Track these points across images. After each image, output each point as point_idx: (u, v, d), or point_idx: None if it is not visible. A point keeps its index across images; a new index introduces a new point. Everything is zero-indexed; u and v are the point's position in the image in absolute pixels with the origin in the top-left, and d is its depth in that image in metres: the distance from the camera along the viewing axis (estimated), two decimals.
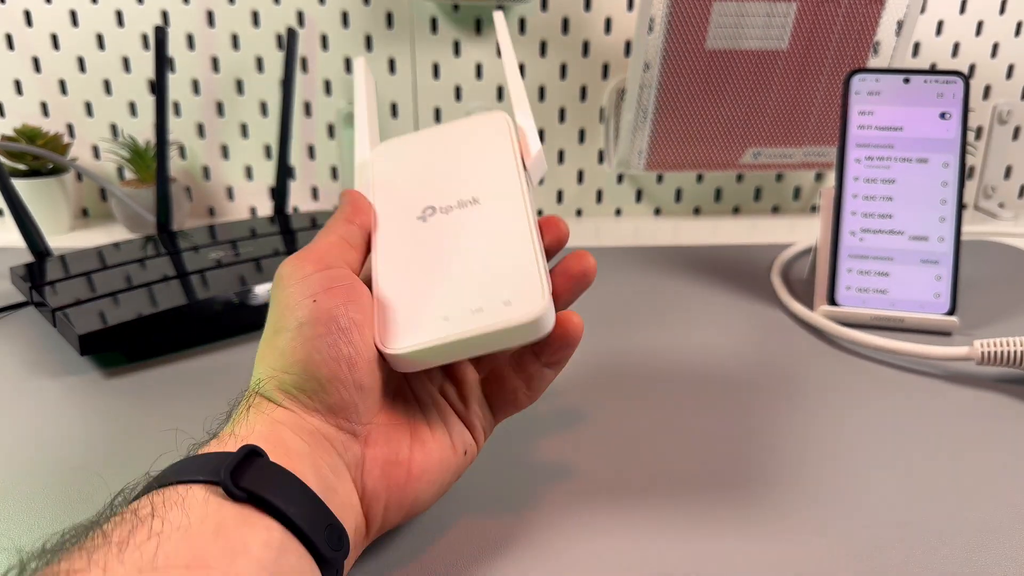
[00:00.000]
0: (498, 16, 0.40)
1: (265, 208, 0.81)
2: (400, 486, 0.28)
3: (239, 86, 0.76)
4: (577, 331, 0.29)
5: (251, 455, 0.24)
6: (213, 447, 0.26)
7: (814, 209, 0.84)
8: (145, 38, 0.74)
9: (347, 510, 0.26)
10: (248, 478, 0.23)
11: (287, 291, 0.28)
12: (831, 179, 0.81)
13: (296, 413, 0.27)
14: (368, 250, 0.32)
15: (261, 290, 0.51)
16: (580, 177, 0.81)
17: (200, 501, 0.22)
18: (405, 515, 0.29)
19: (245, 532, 0.22)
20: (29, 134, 0.71)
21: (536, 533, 0.31)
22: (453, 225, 0.31)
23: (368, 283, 0.30)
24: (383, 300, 0.30)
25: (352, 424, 0.28)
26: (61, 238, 0.72)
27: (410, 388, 0.31)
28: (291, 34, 0.67)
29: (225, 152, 0.79)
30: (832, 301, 0.53)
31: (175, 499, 0.22)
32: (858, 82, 0.54)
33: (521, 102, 0.35)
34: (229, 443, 0.26)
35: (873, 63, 0.70)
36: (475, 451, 0.31)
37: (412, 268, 0.30)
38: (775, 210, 0.84)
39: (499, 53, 0.39)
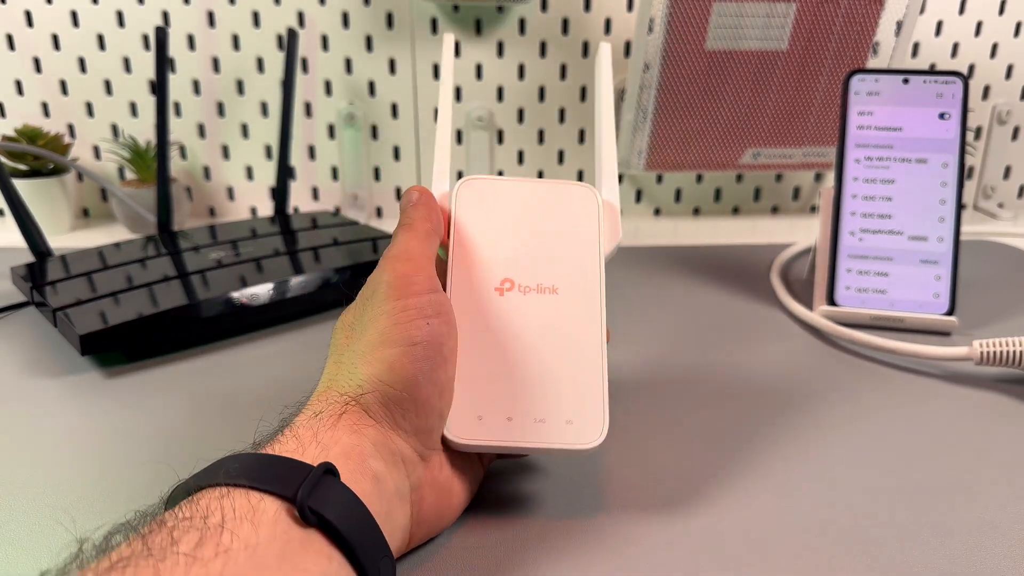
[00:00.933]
0: (604, 49, 0.40)
1: (265, 208, 0.81)
2: (442, 513, 0.30)
3: (239, 86, 0.76)
4: None
5: (326, 473, 0.24)
6: (289, 445, 0.26)
7: (813, 209, 0.84)
8: (146, 38, 0.74)
9: (397, 533, 0.27)
10: (318, 499, 0.23)
11: (401, 303, 0.29)
12: (830, 179, 0.82)
13: (385, 431, 0.28)
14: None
15: (261, 290, 0.51)
16: (580, 177, 0.81)
17: (270, 519, 0.22)
18: (430, 537, 0.30)
19: (307, 559, 0.22)
20: (30, 134, 0.71)
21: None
22: (530, 312, 0.32)
23: None
24: (456, 376, 0.31)
25: (424, 448, 0.29)
26: (62, 238, 0.72)
27: None
28: (291, 34, 0.67)
29: (225, 152, 0.79)
30: (831, 301, 0.53)
31: (245, 510, 0.22)
32: (857, 82, 0.54)
33: (611, 173, 0.36)
34: (309, 447, 0.25)
35: (872, 63, 0.70)
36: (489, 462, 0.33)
37: (483, 350, 0.31)
38: (775, 210, 0.84)
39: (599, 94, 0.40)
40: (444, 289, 0.32)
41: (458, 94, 0.77)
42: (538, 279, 0.32)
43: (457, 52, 0.76)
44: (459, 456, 0.31)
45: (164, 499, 0.25)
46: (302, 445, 0.26)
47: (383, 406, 0.28)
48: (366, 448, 0.27)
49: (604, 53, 0.40)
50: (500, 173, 0.81)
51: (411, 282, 0.29)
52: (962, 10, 0.77)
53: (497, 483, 0.34)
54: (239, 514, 0.22)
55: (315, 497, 0.23)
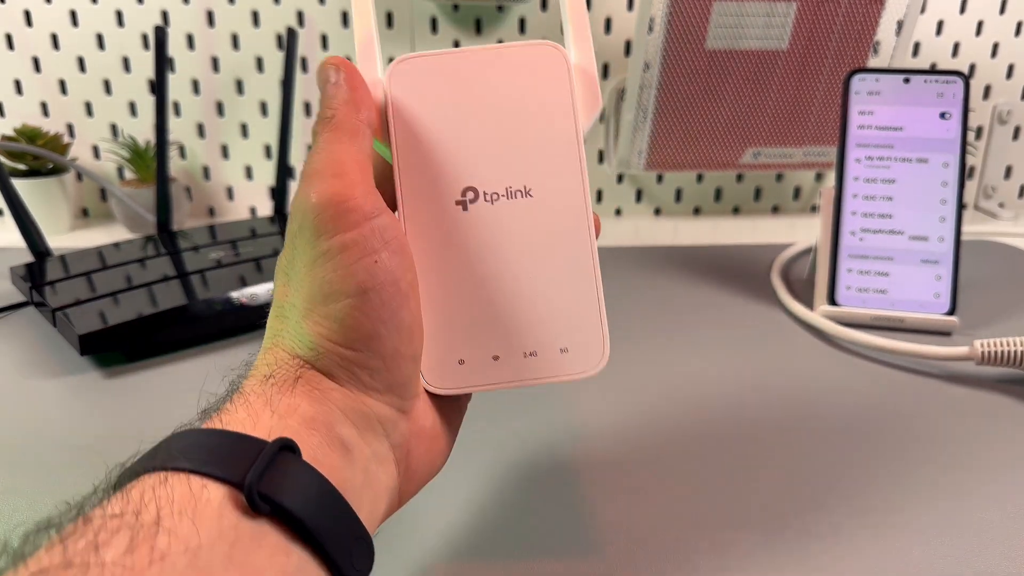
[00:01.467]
0: None
1: (265, 208, 0.81)
2: (433, 458, 0.26)
3: (239, 86, 0.76)
4: None
5: (282, 450, 0.20)
6: (239, 414, 0.22)
7: (814, 209, 0.84)
8: (145, 38, 0.74)
9: (381, 499, 0.24)
10: (273, 482, 0.19)
11: (338, 240, 0.23)
12: (831, 179, 0.81)
13: (351, 392, 0.24)
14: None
15: (261, 290, 0.51)
16: None
17: (215, 512, 0.19)
18: (421, 486, 0.26)
19: (260, 558, 0.19)
20: (29, 134, 0.71)
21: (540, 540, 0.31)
22: (501, 224, 0.26)
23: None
24: (424, 317, 0.26)
25: (402, 400, 0.25)
26: (61, 238, 0.72)
27: None
28: (291, 34, 0.66)
29: (225, 152, 0.79)
30: (832, 301, 0.53)
31: (185, 501, 0.18)
32: (858, 82, 0.54)
33: (580, 28, 0.29)
34: (262, 417, 0.22)
35: (873, 63, 0.70)
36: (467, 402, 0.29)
37: (454, 278, 0.26)
38: (775, 210, 0.84)
39: None
40: (389, 203, 0.26)
41: None
42: (506, 181, 0.26)
43: None
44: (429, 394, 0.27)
45: (99, 486, 0.21)
46: (253, 415, 0.22)
47: (344, 369, 0.24)
48: (332, 414, 0.23)
49: None
50: None
51: (346, 207, 0.23)
52: (963, 9, 0.77)
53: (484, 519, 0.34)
54: (178, 507, 0.18)
55: (268, 480, 0.19)
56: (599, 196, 0.82)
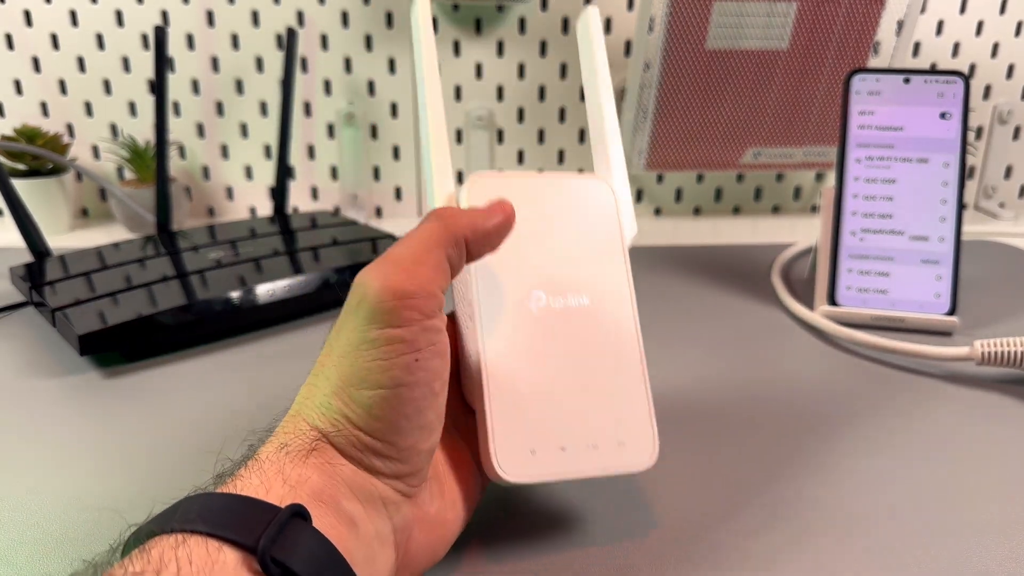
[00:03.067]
0: (592, 13, 0.35)
1: (265, 208, 0.81)
2: (434, 548, 0.27)
3: (239, 86, 0.76)
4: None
5: (293, 516, 0.21)
6: (252, 481, 0.22)
7: (814, 209, 0.84)
8: (145, 38, 0.74)
9: None
10: (284, 547, 0.20)
11: (387, 333, 0.24)
12: (831, 179, 0.81)
13: (361, 473, 0.24)
14: (454, 268, 0.27)
15: (261, 290, 0.51)
16: None
17: (230, 574, 0.19)
18: (423, 571, 0.27)
19: None
20: (29, 134, 0.71)
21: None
22: (565, 327, 0.29)
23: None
24: (496, 408, 0.28)
25: (409, 487, 0.26)
26: (61, 238, 0.72)
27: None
28: (291, 34, 0.66)
29: (225, 152, 0.79)
30: (832, 301, 0.52)
31: (203, 562, 0.19)
32: (858, 82, 0.54)
33: (619, 163, 0.33)
34: (275, 485, 0.22)
35: (873, 63, 0.70)
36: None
37: (524, 375, 0.28)
38: (775, 210, 0.84)
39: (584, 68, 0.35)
40: (457, 306, 0.29)
41: (458, 93, 0.77)
42: (568, 289, 0.30)
43: (457, 52, 0.76)
44: (453, 482, 0.28)
45: (116, 546, 0.22)
46: (266, 483, 0.22)
47: (357, 450, 0.24)
48: (340, 489, 0.24)
49: (593, 18, 0.35)
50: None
51: (406, 304, 0.24)
52: (963, 9, 0.76)
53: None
54: (196, 568, 0.19)
55: (280, 545, 0.20)
56: None
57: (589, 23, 0.35)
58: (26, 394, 0.43)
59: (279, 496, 0.22)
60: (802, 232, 0.75)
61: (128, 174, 0.77)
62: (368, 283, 0.24)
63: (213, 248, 0.58)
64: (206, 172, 0.79)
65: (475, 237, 0.27)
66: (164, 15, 0.73)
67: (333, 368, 0.25)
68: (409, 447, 0.25)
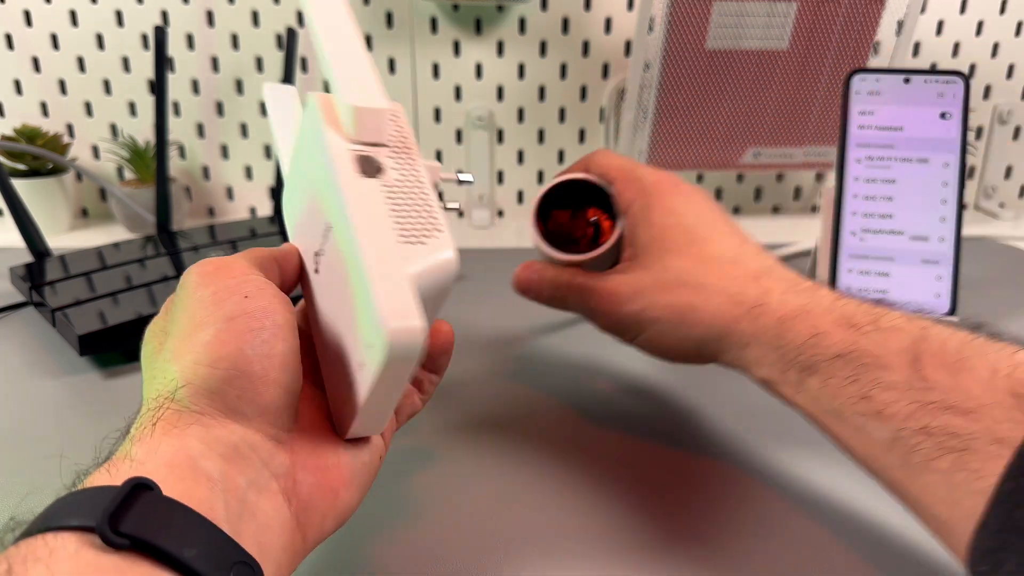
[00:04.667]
0: None
1: (265, 208, 0.81)
2: (334, 491, 0.26)
3: (239, 86, 0.76)
4: (448, 341, 0.31)
5: (137, 489, 0.20)
6: (100, 478, 0.22)
7: (814, 209, 0.84)
8: (145, 38, 0.74)
9: (272, 529, 0.24)
10: (132, 520, 0.20)
11: (209, 288, 0.26)
12: (831, 179, 0.81)
13: (216, 422, 0.24)
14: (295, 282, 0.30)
15: None
16: None
17: (69, 555, 0.19)
18: (339, 522, 0.27)
19: None
20: (29, 134, 0.71)
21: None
22: (328, 269, 0.27)
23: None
24: (327, 385, 0.28)
25: (277, 430, 0.25)
26: (61, 238, 0.72)
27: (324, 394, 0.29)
28: (291, 34, 0.66)
29: (225, 152, 0.79)
30: None
31: (40, 553, 0.19)
32: (858, 82, 0.54)
33: (331, 41, 0.28)
34: (123, 469, 0.22)
35: (873, 63, 0.70)
36: (385, 453, 0.30)
37: (326, 334, 0.28)
38: (775, 210, 0.84)
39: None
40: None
41: (458, 93, 0.77)
42: (319, 228, 0.27)
43: (457, 52, 0.76)
44: (328, 432, 0.28)
45: None
46: (114, 470, 0.22)
47: (207, 394, 0.24)
48: (193, 448, 0.23)
49: None
50: (499, 173, 0.81)
51: (223, 271, 0.26)
52: (963, 9, 0.76)
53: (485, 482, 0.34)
54: (30, 560, 0.19)
55: (126, 518, 0.20)
56: None
57: None
58: (26, 394, 0.43)
59: (123, 474, 0.21)
60: (802, 232, 0.75)
61: (128, 174, 0.77)
62: (187, 274, 0.27)
63: (213, 248, 0.58)
64: (206, 172, 0.79)
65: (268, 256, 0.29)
66: (164, 15, 0.73)
67: (169, 341, 0.26)
68: (260, 374, 0.25)
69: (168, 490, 0.21)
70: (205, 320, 0.25)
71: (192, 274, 0.26)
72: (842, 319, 0.29)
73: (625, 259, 0.35)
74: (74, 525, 0.20)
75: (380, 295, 0.23)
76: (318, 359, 0.29)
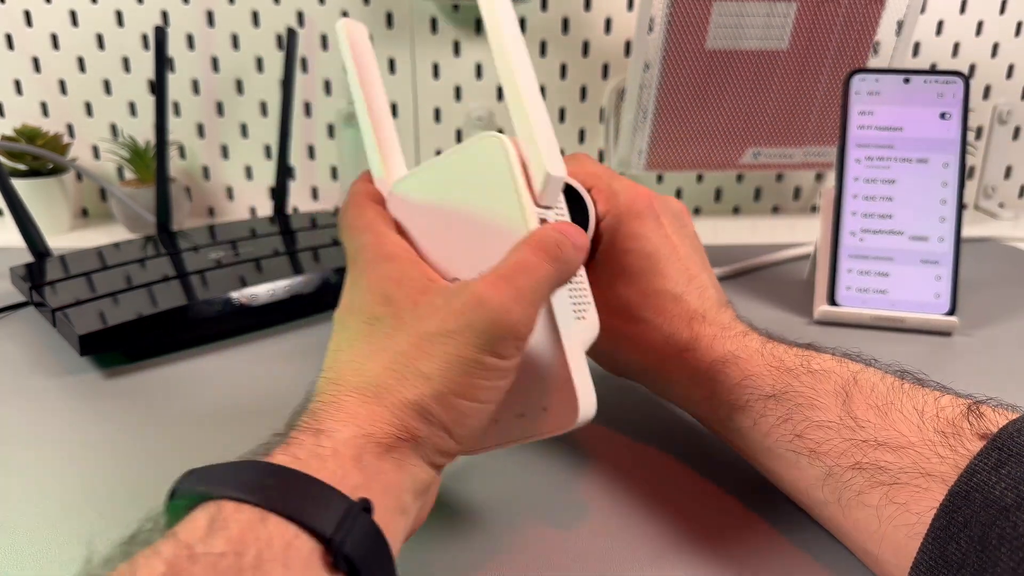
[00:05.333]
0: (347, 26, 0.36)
1: (265, 208, 0.81)
2: (426, 513, 0.29)
3: (239, 86, 0.76)
4: None
5: (362, 511, 0.22)
6: (329, 465, 0.23)
7: (814, 209, 0.84)
8: (145, 38, 0.74)
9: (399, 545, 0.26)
10: (351, 542, 0.21)
11: (500, 364, 0.26)
12: (831, 179, 0.81)
13: (420, 466, 0.26)
14: None
15: (261, 290, 0.51)
16: None
17: (304, 563, 0.20)
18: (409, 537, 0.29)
19: None
20: (29, 134, 0.71)
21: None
22: None
23: None
24: None
25: (446, 463, 0.28)
26: (61, 238, 0.72)
27: None
28: (291, 34, 0.66)
29: (225, 152, 0.79)
30: (832, 301, 0.52)
31: (280, 548, 0.20)
32: (858, 82, 0.54)
33: (530, 102, 0.30)
34: (351, 474, 0.23)
35: (873, 63, 0.70)
36: None
37: None
38: (775, 210, 0.84)
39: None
40: None
41: (458, 93, 0.77)
42: (479, 268, 0.28)
43: (457, 52, 0.76)
44: None
45: (171, 494, 0.22)
46: (343, 468, 0.23)
47: (436, 450, 0.26)
48: (404, 484, 0.25)
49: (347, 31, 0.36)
50: None
51: (517, 344, 0.26)
52: (963, 9, 0.76)
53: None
54: (274, 553, 0.20)
55: (348, 540, 0.21)
56: None
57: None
58: (26, 394, 0.43)
59: (353, 485, 0.23)
60: (802, 232, 0.75)
61: (128, 174, 0.77)
62: (491, 305, 0.25)
63: (213, 248, 0.58)
64: (206, 172, 0.79)
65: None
66: (164, 15, 0.73)
67: (436, 371, 0.25)
68: (471, 446, 0.28)
69: (377, 514, 0.23)
70: (477, 394, 0.26)
71: (491, 327, 0.25)
72: (773, 361, 0.31)
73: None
74: (313, 530, 0.21)
75: (579, 384, 0.28)
76: None
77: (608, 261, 0.35)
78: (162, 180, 0.63)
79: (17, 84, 0.74)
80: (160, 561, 0.18)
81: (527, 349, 0.28)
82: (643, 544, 0.31)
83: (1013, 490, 0.22)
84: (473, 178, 0.29)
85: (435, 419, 0.26)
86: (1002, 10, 0.77)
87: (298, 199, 0.81)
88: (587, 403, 0.29)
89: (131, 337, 0.46)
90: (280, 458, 0.23)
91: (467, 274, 0.28)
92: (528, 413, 0.29)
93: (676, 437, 0.38)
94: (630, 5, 0.75)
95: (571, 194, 0.36)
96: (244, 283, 0.51)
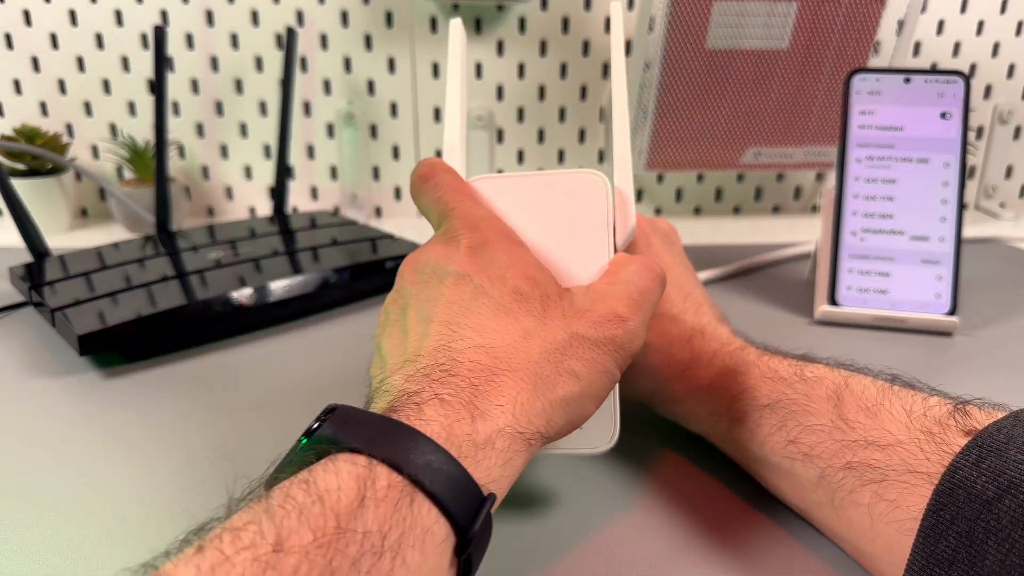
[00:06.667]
0: (614, 8, 0.36)
1: (264, 208, 0.81)
2: None
3: (238, 86, 0.76)
4: None
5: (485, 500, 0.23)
6: (478, 456, 0.23)
7: (815, 209, 0.84)
8: (144, 38, 0.74)
9: None
10: (474, 533, 0.22)
11: (616, 374, 0.28)
12: (832, 179, 0.81)
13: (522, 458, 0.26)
14: None
15: (260, 290, 0.51)
16: None
17: (437, 548, 0.21)
18: None
19: None
20: (28, 134, 0.71)
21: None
22: None
23: None
24: None
25: None
26: (60, 238, 0.72)
27: None
28: (290, 34, 0.66)
29: (224, 152, 0.78)
30: (833, 301, 0.52)
31: (421, 533, 0.20)
32: (859, 82, 0.53)
33: (623, 157, 0.33)
34: (493, 467, 0.24)
35: (874, 62, 0.70)
36: None
37: None
38: (776, 210, 0.84)
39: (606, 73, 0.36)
40: None
41: None
42: None
43: None
44: None
45: (317, 426, 0.23)
46: (492, 463, 0.24)
47: (539, 433, 0.26)
48: (514, 475, 0.26)
49: (615, 12, 0.36)
50: (500, 171, 0.81)
51: (633, 355, 0.28)
52: (964, 9, 0.76)
53: None
54: (415, 539, 0.20)
55: (473, 531, 0.22)
56: None
57: (613, 22, 0.36)
58: (26, 394, 0.43)
59: (493, 479, 0.23)
60: (802, 232, 0.75)
61: (128, 174, 0.77)
62: (629, 326, 0.27)
63: (213, 248, 0.58)
64: (206, 172, 0.79)
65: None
66: (164, 15, 0.73)
67: (585, 375, 0.27)
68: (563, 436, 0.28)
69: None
70: (587, 396, 0.27)
71: (625, 337, 0.27)
72: (769, 373, 0.32)
73: None
74: (453, 517, 0.21)
75: (617, 411, 0.31)
76: None
77: None
78: (161, 180, 0.63)
79: (16, 84, 0.74)
80: (307, 528, 0.18)
81: None
82: (654, 543, 0.31)
83: (993, 483, 0.23)
84: (565, 202, 0.32)
85: (569, 417, 0.26)
86: (1003, 10, 0.77)
87: (298, 199, 0.81)
88: (617, 431, 0.31)
89: (130, 337, 0.46)
90: (435, 428, 0.23)
91: None
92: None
93: (680, 435, 0.38)
94: (631, 4, 0.75)
95: None
96: (243, 283, 0.51)
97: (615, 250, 0.32)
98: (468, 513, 0.22)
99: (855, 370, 0.31)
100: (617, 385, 0.31)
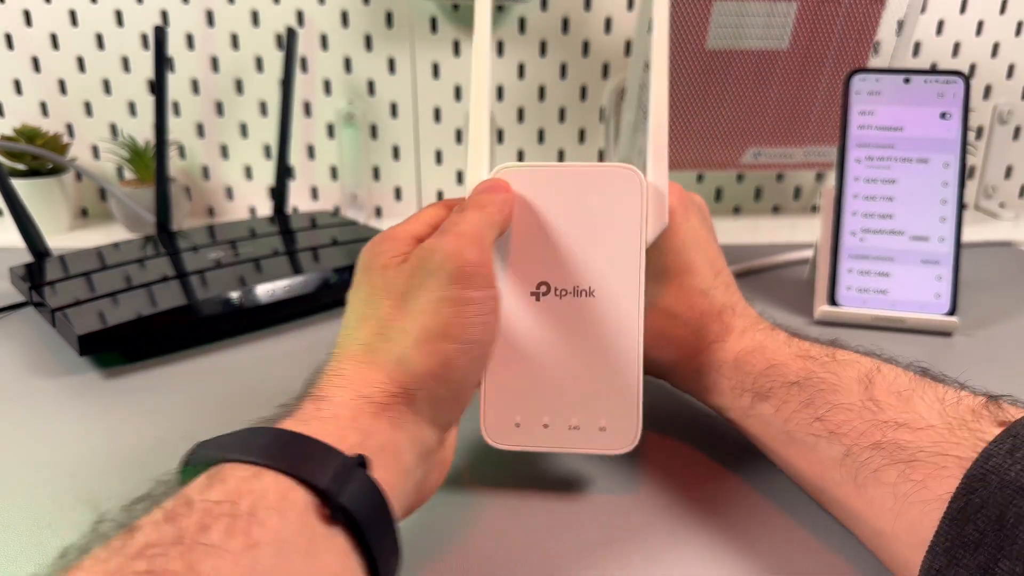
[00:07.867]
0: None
1: (264, 208, 0.81)
2: (440, 479, 0.30)
3: (239, 86, 0.76)
4: None
5: (357, 466, 0.23)
6: (328, 426, 0.24)
7: (814, 209, 0.84)
8: (145, 38, 0.74)
9: (400, 514, 0.26)
10: (348, 494, 0.22)
11: (466, 294, 0.28)
12: (832, 179, 0.81)
13: (421, 426, 0.28)
14: None
15: (260, 290, 0.51)
16: None
17: (299, 512, 0.21)
18: (420, 505, 0.30)
19: (328, 557, 0.22)
20: (28, 134, 0.71)
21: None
22: (565, 317, 0.31)
23: None
24: (493, 383, 0.32)
25: (444, 434, 0.29)
26: (60, 238, 0.72)
27: None
28: (291, 34, 0.66)
29: (224, 152, 0.78)
30: (832, 301, 0.52)
31: (275, 499, 0.21)
32: (858, 82, 0.53)
33: (659, 153, 0.33)
34: (348, 433, 0.25)
35: (873, 63, 0.70)
36: None
37: (519, 356, 0.31)
38: (775, 210, 0.84)
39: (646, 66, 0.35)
40: None
41: (458, 93, 0.77)
42: (575, 282, 0.31)
43: (457, 51, 0.76)
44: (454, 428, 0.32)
45: (183, 463, 0.24)
46: (341, 428, 0.25)
47: (429, 404, 0.28)
48: (403, 443, 0.26)
49: (658, 3, 0.36)
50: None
51: (477, 272, 0.28)
52: (963, 9, 0.76)
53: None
54: (269, 503, 0.21)
55: (345, 492, 0.22)
56: None
57: (657, 8, 0.36)
58: (26, 394, 0.43)
59: (351, 443, 0.24)
60: (802, 232, 0.75)
61: (128, 174, 0.77)
62: (446, 250, 0.28)
63: (213, 248, 0.58)
64: (206, 172, 0.79)
65: (504, 218, 0.31)
66: (164, 15, 0.73)
67: (411, 322, 0.28)
68: (465, 400, 0.29)
69: (375, 471, 0.24)
70: (452, 334, 0.27)
71: (450, 265, 0.28)
72: (799, 352, 0.32)
73: None
74: (308, 481, 0.22)
75: (640, 402, 0.31)
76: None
77: (650, 264, 0.35)
78: (161, 180, 0.63)
79: (17, 84, 0.74)
80: (159, 510, 0.20)
81: (601, 367, 0.31)
82: (663, 530, 0.31)
83: None
84: (598, 197, 0.32)
85: (422, 369, 0.27)
86: (1002, 10, 0.77)
87: (298, 199, 0.81)
88: (639, 432, 0.31)
89: (130, 337, 0.46)
90: (283, 424, 0.24)
91: (559, 269, 0.31)
92: (584, 427, 0.31)
93: (698, 426, 0.38)
94: (630, 5, 0.75)
95: None
96: (244, 283, 0.51)
97: (643, 248, 0.32)
98: (327, 477, 0.22)
99: (886, 359, 0.31)
100: (641, 388, 0.31)
